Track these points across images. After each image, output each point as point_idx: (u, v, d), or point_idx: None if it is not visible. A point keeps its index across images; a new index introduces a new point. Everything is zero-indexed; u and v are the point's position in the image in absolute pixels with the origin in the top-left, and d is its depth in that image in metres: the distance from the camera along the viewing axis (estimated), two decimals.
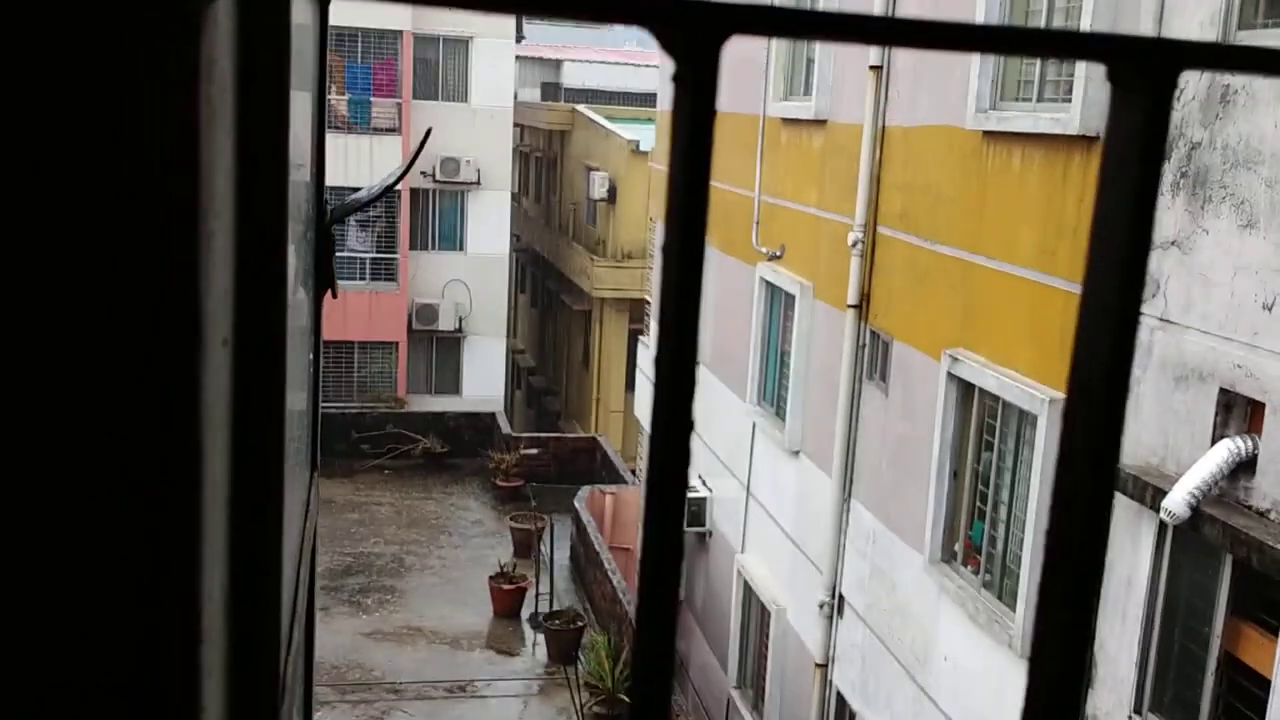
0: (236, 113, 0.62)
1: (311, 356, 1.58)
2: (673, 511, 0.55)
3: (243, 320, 0.64)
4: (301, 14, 1.31)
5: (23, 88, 0.44)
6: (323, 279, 1.55)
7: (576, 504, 18.71)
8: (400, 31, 24.76)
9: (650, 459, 0.52)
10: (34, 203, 0.45)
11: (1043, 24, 7.88)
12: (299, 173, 1.47)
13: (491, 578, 17.38)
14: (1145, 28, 6.55)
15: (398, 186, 24.62)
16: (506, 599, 17.14)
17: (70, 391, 0.47)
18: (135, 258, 0.46)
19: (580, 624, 16.25)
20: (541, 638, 16.34)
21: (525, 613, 17.19)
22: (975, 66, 8.37)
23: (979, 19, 8.28)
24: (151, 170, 0.45)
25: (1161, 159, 0.55)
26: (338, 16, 24.60)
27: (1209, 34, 6.15)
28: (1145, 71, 0.53)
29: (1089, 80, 7.07)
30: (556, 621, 16.18)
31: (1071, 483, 0.56)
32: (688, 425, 0.56)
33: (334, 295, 1.60)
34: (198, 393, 0.48)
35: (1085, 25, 7.13)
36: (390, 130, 24.95)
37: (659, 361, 0.54)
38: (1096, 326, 0.55)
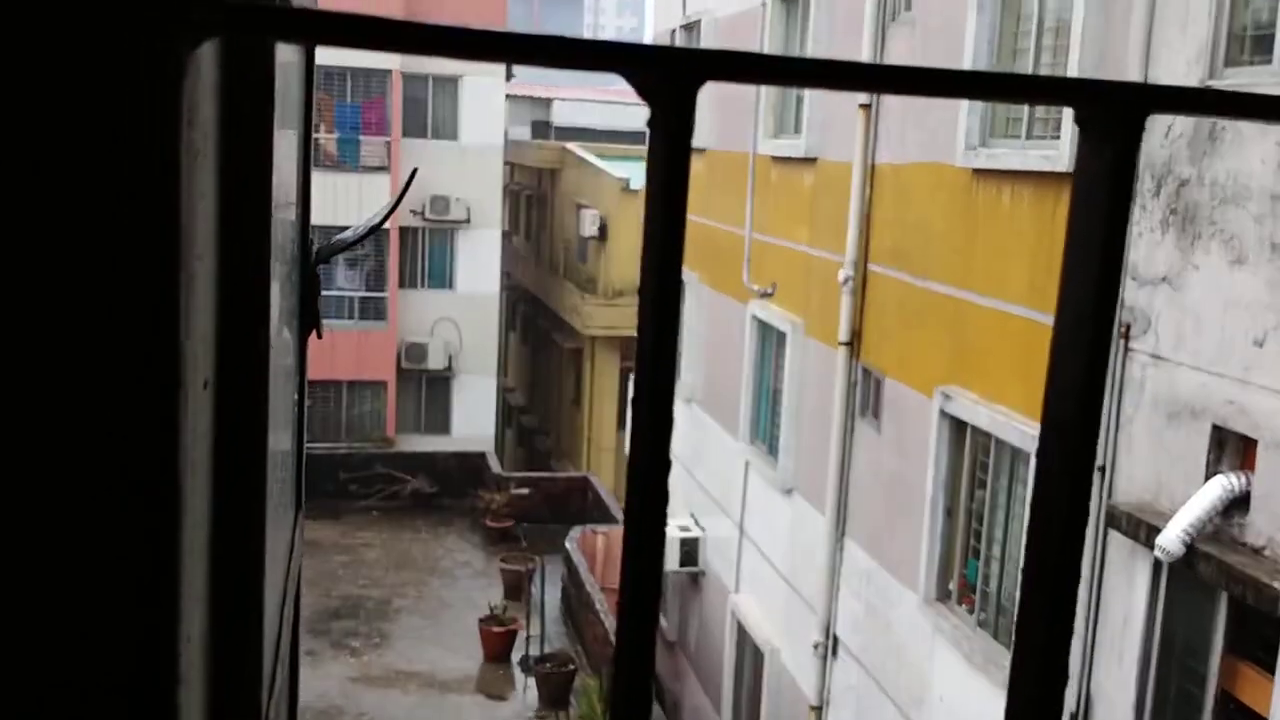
0: (220, 154, 0.62)
1: (296, 397, 1.58)
2: (651, 545, 0.55)
3: (225, 362, 0.64)
4: (287, 52, 1.32)
5: (5, 129, 0.44)
6: (308, 319, 1.56)
7: (568, 544, 18.61)
8: (389, 71, 24.91)
9: (629, 494, 0.52)
10: (12, 243, 0.46)
11: (1030, 62, 7.97)
12: (285, 212, 1.47)
13: (481, 620, 17.24)
14: (1132, 65, 6.63)
15: (386, 225, 24.69)
16: (497, 642, 16.99)
17: (47, 432, 0.47)
18: (114, 300, 0.46)
19: (572, 667, 16.10)
20: (533, 681, 16.18)
21: (516, 656, 17.04)
22: (965, 104, 8.45)
23: (967, 57, 8.38)
24: (132, 213, 0.46)
25: (1129, 202, 0.56)
26: (326, 56, 24.80)
27: (1195, 72, 6.22)
28: (1113, 115, 0.54)
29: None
30: (548, 665, 16.04)
31: (1048, 512, 0.56)
32: (665, 463, 0.56)
33: (319, 336, 1.61)
34: (177, 435, 0.48)
35: (1073, 61, 7.21)
36: (379, 169, 25.04)
37: (636, 402, 0.55)
38: (1067, 363, 0.55)
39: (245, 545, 0.70)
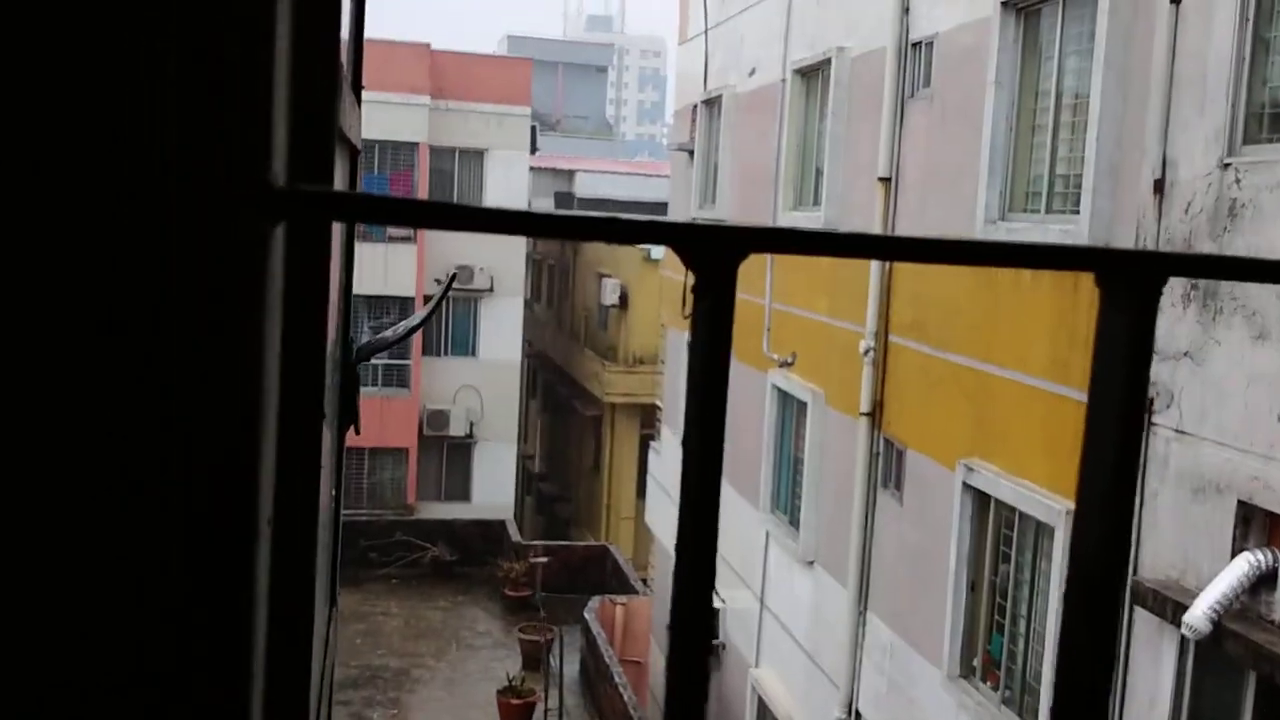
0: (284, 311, 0.66)
1: (334, 492, 1.61)
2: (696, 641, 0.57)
3: (281, 499, 0.67)
4: (342, 169, 1.38)
5: (131, 291, 0.48)
6: (347, 416, 1.60)
7: (587, 615, 18.46)
8: (416, 144, 25.32)
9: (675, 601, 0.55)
10: (119, 389, 0.49)
11: (1048, 138, 8.05)
12: (330, 319, 1.52)
13: (499, 692, 17.07)
14: (1150, 143, 6.69)
15: (412, 294, 24.92)
16: (515, 714, 16.80)
17: (138, 578, 0.50)
18: (200, 450, 0.50)
19: None
20: None
21: None
22: (983, 178, 8.53)
23: (986, 133, 8.47)
24: (222, 366, 0.49)
25: (1148, 362, 0.59)
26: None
27: (1214, 150, 6.27)
28: (1132, 280, 0.57)
29: (1096, 192, 7.19)
30: None
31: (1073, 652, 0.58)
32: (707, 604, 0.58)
33: (357, 432, 1.65)
34: (253, 571, 0.51)
35: (1090, 139, 7.28)
36: (405, 239, 25.34)
37: (679, 553, 0.57)
38: (1092, 522, 0.58)
39: (292, 687, 0.72)
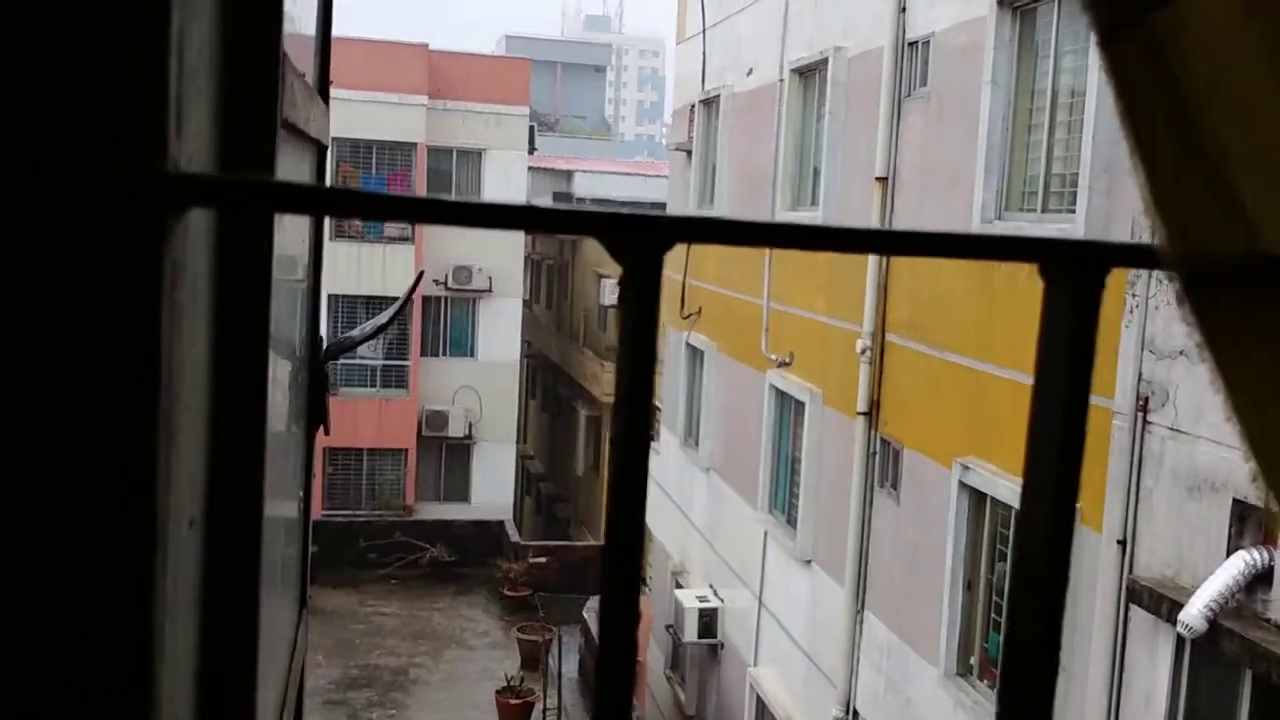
0: (216, 304, 0.64)
1: (302, 494, 1.59)
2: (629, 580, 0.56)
3: (216, 500, 0.66)
4: (299, 164, 1.37)
5: None
6: (315, 416, 1.58)
7: (585, 614, 18.46)
8: (414, 144, 25.31)
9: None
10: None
11: (1045, 136, 8.03)
12: (297, 310, 1.51)
13: (498, 692, 17.06)
14: None
15: (411, 298, 24.87)
16: (513, 714, 16.79)
17: (21, 583, 0.48)
18: (90, 452, 0.48)
19: None
20: None
21: None
22: (980, 177, 8.52)
23: (982, 131, 8.46)
24: (111, 377, 0.48)
25: (1093, 353, 0.57)
26: (354, 129, 25.19)
27: None
28: (1076, 270, 0.56)
29: (1093, 190, 7.18)
30: None
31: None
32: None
33: (326, 432, 1.63)
34: (151, 577, 0.50)
35: (1087, 138, 7.27)
36: (403, 240, 25.33)
37: (608, 535, 0.56)
38: (1037, 513, 0.56)
39: (237, 679, 0.71)
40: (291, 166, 1.18)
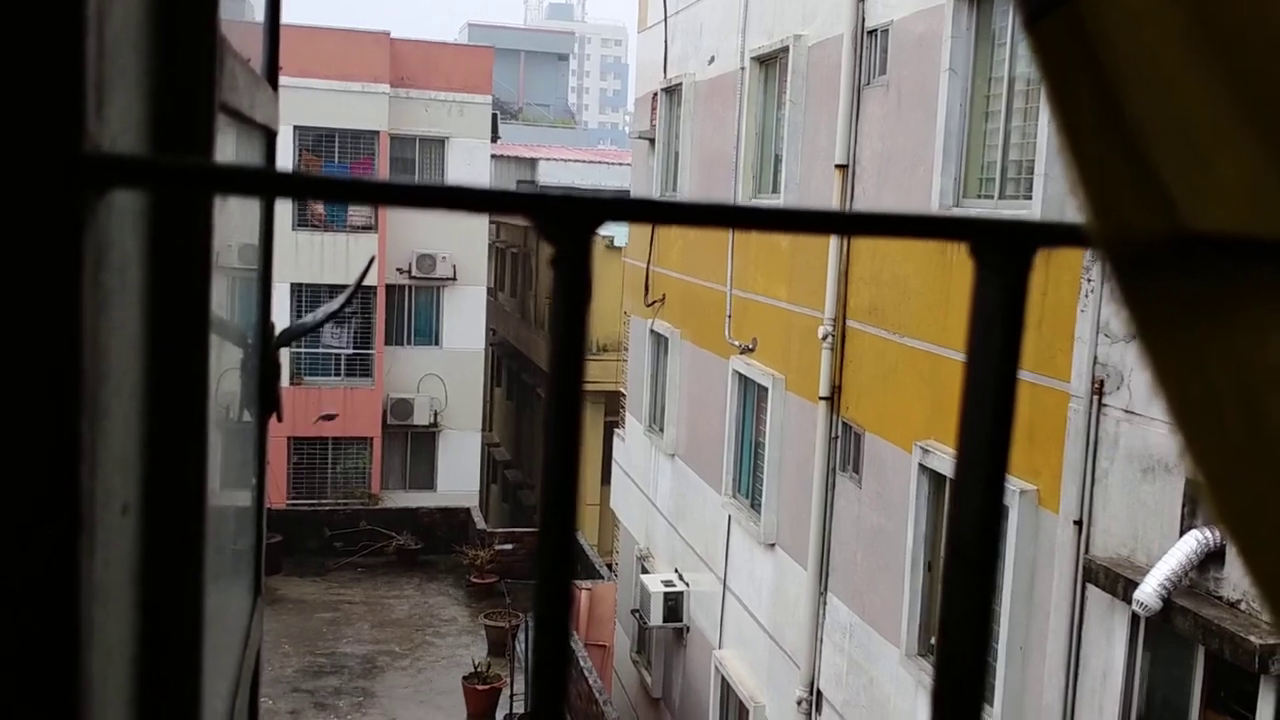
0: (150, 285, 0.64)
1: (255, 481, 1.58)
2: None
3: (154, 485, 0.65)
4: (247, 140, 1.35)
5: None
6: (268, 403, 1.57)
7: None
8: (377, 132, 25.13)
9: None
10: None
11: (1001, 123, 8.10)
12: (246, 295, 1.49)
13: (465, 678, 17.06)
14: None
15: (374, 283, 24.75)
16: (481, 700, 16.80)
17: None
18: (9, 431, 0.47)
19: None
20: None
21: (500, 713, 16.84)
22: (938, 164, 8.58)
23: (940, 118, 8.51)
24: (26, 353, 0.47)
25: (1021, 330, 0.58)
26: (316, 118, 24.96)
27: None
28: (1004, 250, 0.57)
29: (1048, 177, 7.25)
30: None
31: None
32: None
33: (279, 419, 1.62)
34: (75, 568, 0.49)
35: (1043, 123, 7.33)
36: (366, 228, 25.15)
37: (542, 511, 0.56)
38: (969, 488, 0.57)
39: (179, 666, 0.70)
40: (235, 152, 1.17)
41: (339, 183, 0.46)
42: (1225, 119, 0.50)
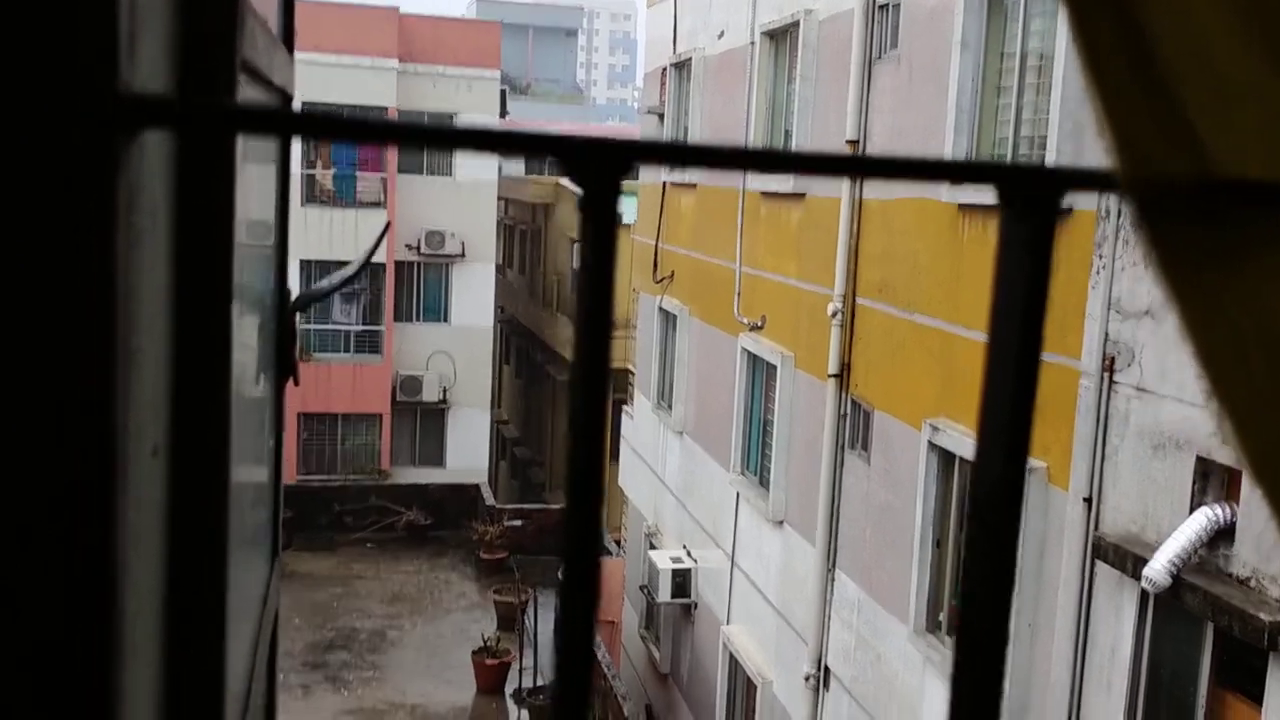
0: (174, 228, 0.64)
1: (273, 443, 1.59)
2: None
3: (181, 428, 0.66)
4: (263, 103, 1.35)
5: None
6: (284, 366, 1.58)
7: (560, 576, 18.53)
8: (385, 108, 25.08)
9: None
10: None
11: (1013, 98, 8.05)
12: (262, 262, 1.50)
13: (475, 652, 17.17)
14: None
15: (383, 260, 24.76)
16: (490, 674, 16.91)
17: None
18: (46, 370, 0.48)
19: None
20: (525, 713, 16.10)
21: (509, 688, 16.95)
22: (949, 138, 8.53)
23: (951, 93, 8.46)
24: (63, 296, 0.47)
25: (1048, 275, 0.58)
26: (325, 93, 24.95)
27: None
28: (1032, 194, 0.57)
29: (1060, 152, 7.20)
30: (541, 697, 15.96)
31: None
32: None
33: (295, 383, 1.63)
34: (112, 507, 0.50)
35: (1055, 99, 7.28)
36: (375, 204, 25.15)
37: (570, 466, 0.57)
38: (992, 447, 0.57)
39: (205, 609, 0.71)
40: None
41: (374, 125, 0.46)
42: (1257, 61, 0.50)
